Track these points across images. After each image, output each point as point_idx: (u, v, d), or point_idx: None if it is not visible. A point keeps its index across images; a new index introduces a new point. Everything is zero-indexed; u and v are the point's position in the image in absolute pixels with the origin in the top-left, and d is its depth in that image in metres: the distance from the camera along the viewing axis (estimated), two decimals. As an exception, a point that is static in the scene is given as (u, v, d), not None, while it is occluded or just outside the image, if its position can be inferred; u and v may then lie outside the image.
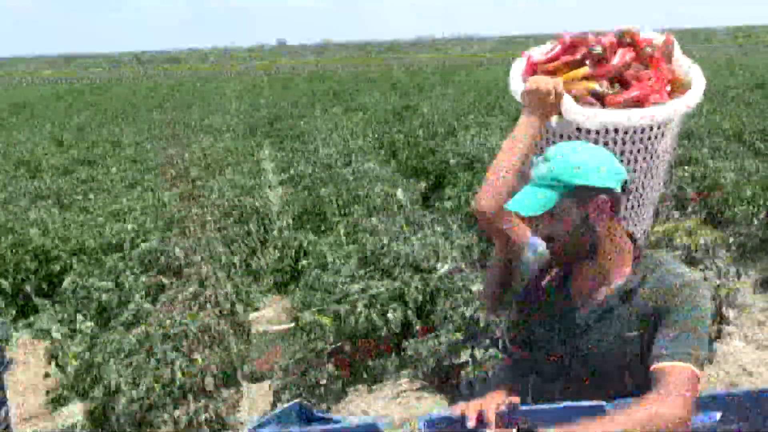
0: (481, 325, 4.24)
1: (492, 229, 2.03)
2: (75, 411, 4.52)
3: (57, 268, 6.42)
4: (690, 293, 1.76)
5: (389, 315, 4.72)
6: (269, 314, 5.98)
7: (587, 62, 2.24)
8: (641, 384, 1.72)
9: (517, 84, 2.22)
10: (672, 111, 2.14)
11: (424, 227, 6.31)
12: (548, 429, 1.58)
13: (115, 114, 19.54)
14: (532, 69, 2.30)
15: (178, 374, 4.11)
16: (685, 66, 2.31)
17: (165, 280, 5.54)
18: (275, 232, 7.47)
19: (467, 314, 4.39)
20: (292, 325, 5.24)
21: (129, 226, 6.94)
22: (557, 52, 2.31)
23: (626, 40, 2.26)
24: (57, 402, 4.70)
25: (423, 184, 9.03)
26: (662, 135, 2.17)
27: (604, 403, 1.70)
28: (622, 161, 2.08)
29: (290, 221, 7.80)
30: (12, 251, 6.47)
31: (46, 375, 4.80)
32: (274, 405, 4.37)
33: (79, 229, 6.97)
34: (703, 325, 1.74)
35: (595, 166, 1.79)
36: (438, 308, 4.74)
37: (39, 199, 8.85)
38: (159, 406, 3.95)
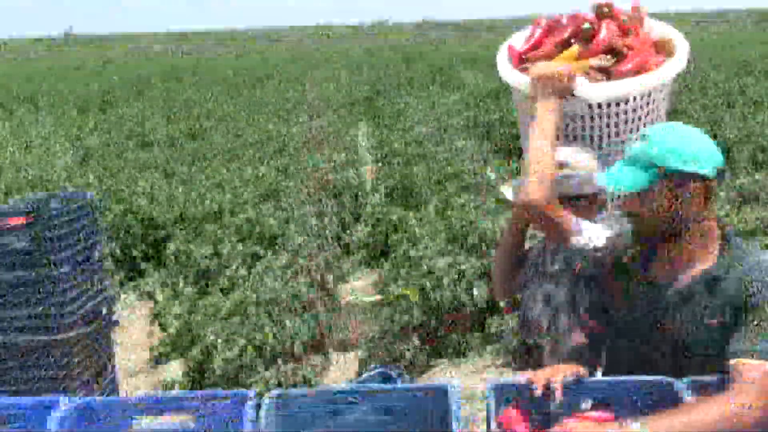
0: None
1: (542, 218, 2.05)
2: (175, 368, 4.81)
3: (162, 234, 6.72)
4: None
5: (475, 291, 4.76)
6: (359, 286, 6.12)
7: (573, 41, 2.24)
8: (715, 370, 1.72)
9: (516, 76, 2.22)
10: (673, 70, 2.20)
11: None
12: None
13: (221, 90, 20.14)
14: (519, 58, 2.30)
15: (270, 338, 4.30)
16: (658, 28, 2.33)
17: (260, 249, 5.75)
18: (368, 208, 7.59)
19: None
20: (380, 297, 5.35)
21: (228, 197, 7.22)
22: (539, 37, 2.30)
23: (605, 11, 2.26)
24: (159, 359, 4.99)
25: (516, 165, 8.96)
26: (664, 96, 2.23)
27: (673, 379, 1.70)
28: (632, 130, 2.13)
29: (382, 197, 7.92)
30: (122, 218, 6.84)
31: (150, 334, 5.09)
32: (359, 374, 4.50)
33: (183, 199, 7.29)
34: None
35: (691, 152, 1.76)
36: (523, 286, 4.74)
37: (147, 170, 9.27)
38: (251, 367, 4.15)
